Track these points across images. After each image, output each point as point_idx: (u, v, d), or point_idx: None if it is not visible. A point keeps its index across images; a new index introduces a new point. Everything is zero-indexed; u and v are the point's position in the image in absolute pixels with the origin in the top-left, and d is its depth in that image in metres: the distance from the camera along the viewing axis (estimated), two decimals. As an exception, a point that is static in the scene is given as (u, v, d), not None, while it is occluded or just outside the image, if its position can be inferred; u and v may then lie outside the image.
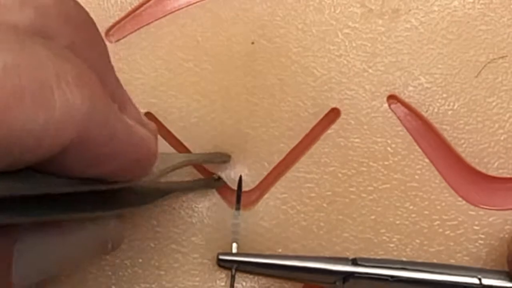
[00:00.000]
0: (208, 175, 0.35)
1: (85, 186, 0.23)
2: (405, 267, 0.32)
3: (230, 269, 0.34)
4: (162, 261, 0.34)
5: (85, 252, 0.25)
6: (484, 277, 0.31)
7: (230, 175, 0.35)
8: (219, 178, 0.35)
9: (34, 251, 0.23)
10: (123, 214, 0.27)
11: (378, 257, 0.33)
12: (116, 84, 0.25)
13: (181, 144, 0.35)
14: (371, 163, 0.35)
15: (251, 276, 0.34)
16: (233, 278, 0.34)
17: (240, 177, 0.35)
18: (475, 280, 0.31)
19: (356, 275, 0.32)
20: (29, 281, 0.23)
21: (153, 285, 0.34)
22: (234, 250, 0.34)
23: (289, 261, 0.32)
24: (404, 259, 0.34)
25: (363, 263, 0.32)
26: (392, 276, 0.31)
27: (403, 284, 0.32)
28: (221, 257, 0.33)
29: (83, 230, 0.25)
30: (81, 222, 0.25)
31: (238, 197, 0.35)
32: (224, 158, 0.35)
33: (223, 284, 0.34)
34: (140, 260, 0.34)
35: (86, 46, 0.22)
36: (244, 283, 0.34)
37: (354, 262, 0.32)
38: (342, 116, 0.35)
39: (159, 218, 0.35)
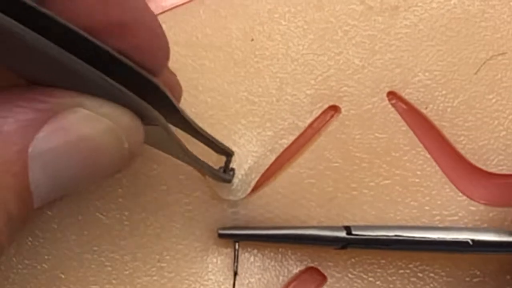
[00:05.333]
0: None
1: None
2: (397, 231, 0.32)
3: (232, 240, 0.34)
4: (163, 254, 0.34)
5: (101, 155, 0.24)
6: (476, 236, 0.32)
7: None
8: (225, 170, 0.34)
9: (49, 154, 0.22)
10: (141, 111, 0.25)
11: (372, 225, 0.34)
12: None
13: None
14: (373, 159, 0.35)
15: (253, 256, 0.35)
16: (236, 251, 0.34)
17: (232, 169, 0.35)
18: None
19: (352, 243, 0.32)
20: (48, 192, 0.23)
21: (154, 277, 0.34)
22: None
23: (288, 231, 0.33)
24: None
25: (357, 232, 0.32)
26: (386, 243, 0.32)
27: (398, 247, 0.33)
28: (221, 232, 0.34)
29: (97, 124, 0.24)
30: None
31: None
32: (226, 178, 0.34)
33: (223, 265, 0.34)
34: (140, 255, 0.34)
35: None
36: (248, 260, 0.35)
37: (349, 231, 0.32)
38: (343, 112, 0.35)
39: (156, 215, 0.35)
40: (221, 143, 0.33)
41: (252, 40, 0.36)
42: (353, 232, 0.32)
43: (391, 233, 0.32)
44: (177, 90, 0.31)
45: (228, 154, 0.34)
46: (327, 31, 0.36)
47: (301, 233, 0.33)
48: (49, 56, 0.21)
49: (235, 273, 0.34)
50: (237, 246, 0.34)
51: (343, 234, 0.32)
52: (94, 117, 0.23)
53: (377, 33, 0.36)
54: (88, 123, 0.23)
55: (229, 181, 0.34)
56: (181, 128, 0.31)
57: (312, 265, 0.34)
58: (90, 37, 0.23)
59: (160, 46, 0.27)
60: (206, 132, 0.32)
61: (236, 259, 0.34)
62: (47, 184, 0.23)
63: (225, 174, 0.34)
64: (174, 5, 0.37)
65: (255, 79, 0.36)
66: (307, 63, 0.36)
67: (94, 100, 0.23)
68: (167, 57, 0.27)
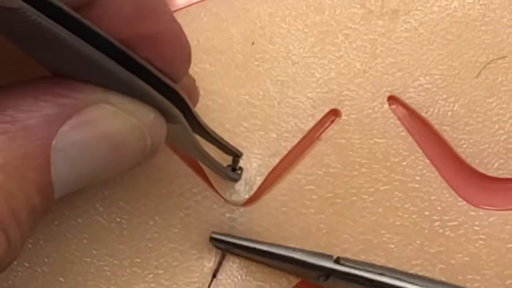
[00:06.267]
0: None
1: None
2: (385, 273, 0.32)
3: (221, 248, 0.34)
4: (160, 261, 0.35)
5: (124, 150, 0.25)
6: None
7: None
8: (234, 169, 0.35)
9: (72, 148, 0.23)
10: (164, 110, 0.26)
11: (362, 260, 0.34)
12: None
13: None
14: (372, 164, 0.35)
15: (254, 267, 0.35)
16: (222, 257, 0.34)
17: (240, 168, 0.35)
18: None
19: (336, 273, 0.32)
20: (68, 184, 0.23)
21: (152, 284, 0.34)
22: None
23: (276, 249, 0.33)
24: (389, 265, 0.34)
25: (345, 263, 0.32)
26: (370, 280, 0.32)
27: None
28: (213, 235, 0.34)
29: (121, 120, 0.24)
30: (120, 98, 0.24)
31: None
32: (234, 177, 0.35)
33: (221, 277, 0.34)
34: (138, 260, 0.35)
35: None
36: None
37: (337, 260, 0.32)
38: (343, 117, 0.35)
39: (155, 219, 0.35)
40: (230, 145, 0.34)
41: (253, 43, 0.36)
42: (341, 262, 0.32)
43: (377, 271, 0.32)
44: (195, 93, 0.32)
45: (236, 155, 0.34)
46: (328, 34, 0.36)
47: (287, 255, 0.33)
48: (81, 52, 0.21)
49: (214, 276, 0.34)
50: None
51: (329, 263, 0.32)
52: (119, 114, 0.24)
53: (378, 37, 0.36)
54: (113, 119, 0.24)
55: (237, 179, 0.35)
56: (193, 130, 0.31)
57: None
58: (118, 44, 0.23)
59: (184, 56, 0.28)
60: (217, 134, 0.32)
61: (219, 264, 0.34)
62: (69, 177, 0.23)
63: (233, 173, 0.35)
64: (175, 9, 0.37)
65: (256, 82, 0.36)
66: (308, 66, 0.36)
67: (120, 97, 0.24)
68: (189, 65, 0.28)
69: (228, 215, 0.35)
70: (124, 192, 0.35)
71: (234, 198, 0.35)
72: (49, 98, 0.22)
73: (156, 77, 0.25)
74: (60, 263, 0.34)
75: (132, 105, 0.24)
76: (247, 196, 0.35)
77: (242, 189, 0.35)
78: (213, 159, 0.32)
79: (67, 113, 0.22)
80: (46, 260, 0.34)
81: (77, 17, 0.21)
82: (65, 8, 0.21)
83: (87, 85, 0.23)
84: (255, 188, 0.35)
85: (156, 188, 0.35)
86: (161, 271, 0.34)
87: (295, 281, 0.34)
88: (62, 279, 0.34)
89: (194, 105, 0.31)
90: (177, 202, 0.35)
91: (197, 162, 0.35)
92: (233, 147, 0.34)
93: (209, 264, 0.35)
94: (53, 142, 0.22)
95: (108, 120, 0.24)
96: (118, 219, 0.35)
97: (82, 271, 0.34)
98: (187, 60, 0.28)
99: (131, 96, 0.24)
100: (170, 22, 0.26)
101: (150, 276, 0.34)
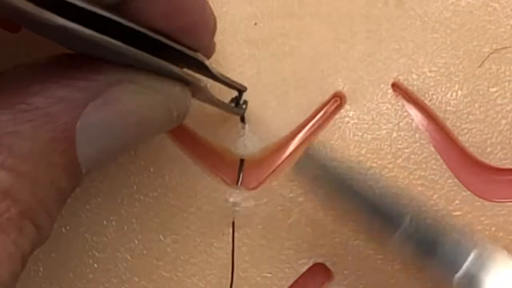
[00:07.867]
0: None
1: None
2: None
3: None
4: (161, 252, 0.34)
5: (149, 125, 0.25)
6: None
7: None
8: (238, 104, 0.34)
9: (96, 128, 0.23)
10: (187, 80, 0.26)
11: None
12: None
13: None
14: (377, 150, 0.34)
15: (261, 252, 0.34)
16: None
17: (245, 101, 0.34)
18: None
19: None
20: (94, 161, 0.23)
21: (153, 276, 0.34)
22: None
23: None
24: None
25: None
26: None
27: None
28: None
29: (145, 97, 0.24)
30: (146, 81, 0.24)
31: (239, 175, 0.35)
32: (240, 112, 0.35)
33: (220, 263, 0.34)
34: (143, 252, 0.34)
35: None
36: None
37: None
38: (348, 101, 0.35)
39: (157, 211, 0.35)
40: (235, 82, 0.33)
41: (255, 24, 0.35)
42: None
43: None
44: (212, 49, 0.32)
45: (240, 90, 0.34)
46: (332, 17, 0.35)
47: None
48: (108, 43, 0.21)
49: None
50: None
51: None
52: (142, 91, 0.24)
53: (382, 22, 0.35)
54: (136, 97, 0.24)
55: (242, 113, 0.34)
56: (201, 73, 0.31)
57: (319, 261, 0.34)
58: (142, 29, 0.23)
59: (210, 32, 0.28)
60: (224, 76, 0.31)
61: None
62: (95, 154, 0.23)
63: (238, 108, 0.34)
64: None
65: (259, 64, 0.35)
66: (311, 48, 0.35)
67: (143, 75, 0.24)
68: (213, 36, 0.29)
69: (231, 199, 0.34)
70: (125, 188, 0.35)
71: (242, 151, 0.35)
72: (71, 82, 0.22)
73: (181, 51, 0.25)
74: (58, 259, 0.34)
75: (155, 81, 0.24)
76: (253, 150, 0.35)
77: (249, 143, 0.35)
78: (222, 101, 0.32)
79: (90, 96, 0.22)
80: (52, 255, 0.34)
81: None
82: None
83: (108, 65, 0.23)
84: (262, 145, 0.35)
85: (156, 180, 0.35)
86: (161, 263, 0.34)
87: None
88: (61, 272, 0.34)
89: (210, 56, 0.31)
90: (179, 191, 0.34)
91: (197, 152, 0.35)
92: (237, 83, 0.33)
93: (212, 255, 0.34)
94: (77, 125, 0.22)
95: (131, 99, 0.23)
96: (119, 212, 0.34)
97: (82, 264, 0.34)
98: (213, 34, 0.28)
99: (155, 73, 0.24)
100: (203, 11, 0.27)
101: (151, 268, 0.34)
